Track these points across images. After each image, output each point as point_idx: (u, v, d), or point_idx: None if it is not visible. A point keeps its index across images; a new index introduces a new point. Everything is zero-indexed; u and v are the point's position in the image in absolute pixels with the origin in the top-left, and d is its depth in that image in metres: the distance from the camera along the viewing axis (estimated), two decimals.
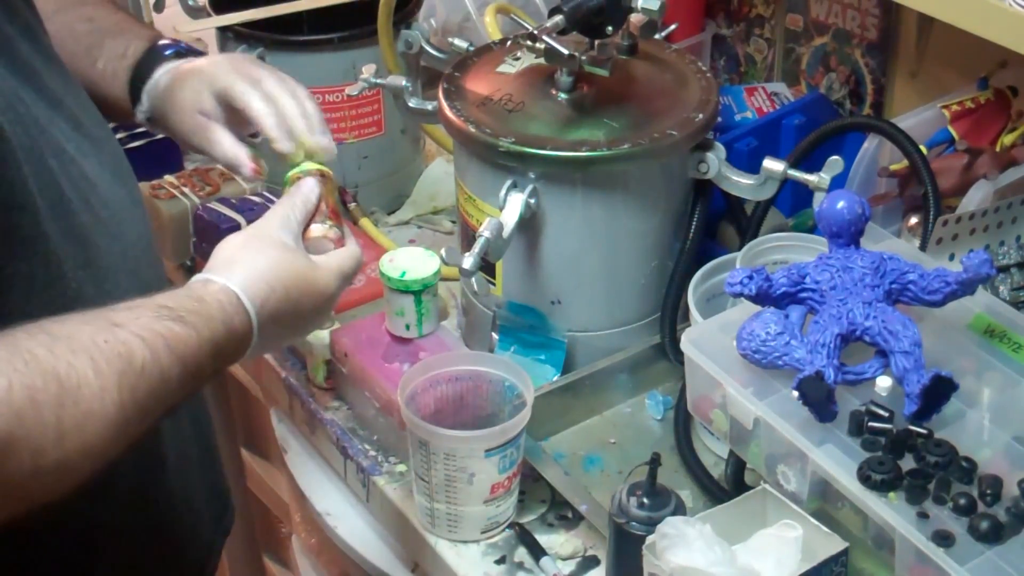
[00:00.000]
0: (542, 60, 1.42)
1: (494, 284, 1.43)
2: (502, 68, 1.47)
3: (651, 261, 1.43)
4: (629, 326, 1.45)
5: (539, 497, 1.34)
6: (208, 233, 1.61)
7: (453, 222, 1.75)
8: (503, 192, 1.35)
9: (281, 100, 1.20)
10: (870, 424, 1.08)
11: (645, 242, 1.42)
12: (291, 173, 1.18)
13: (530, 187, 1.35)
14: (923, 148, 1.45)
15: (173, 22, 1.76)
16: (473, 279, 1.29)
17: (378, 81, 1.55)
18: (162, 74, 1.25)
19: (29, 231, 0.96)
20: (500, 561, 1.28)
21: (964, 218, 1.34)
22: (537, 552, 1.27)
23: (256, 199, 1.67)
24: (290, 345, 1.52)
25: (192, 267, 1.69)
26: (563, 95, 1.41)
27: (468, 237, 1.44)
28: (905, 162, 1.46)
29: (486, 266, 1.35)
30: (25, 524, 0.86)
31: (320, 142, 1.19)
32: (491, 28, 1.76)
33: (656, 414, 1.43)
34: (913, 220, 1.47)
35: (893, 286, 1.15)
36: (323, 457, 1.51)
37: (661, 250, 1.43)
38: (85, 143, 1.08)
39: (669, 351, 1.43)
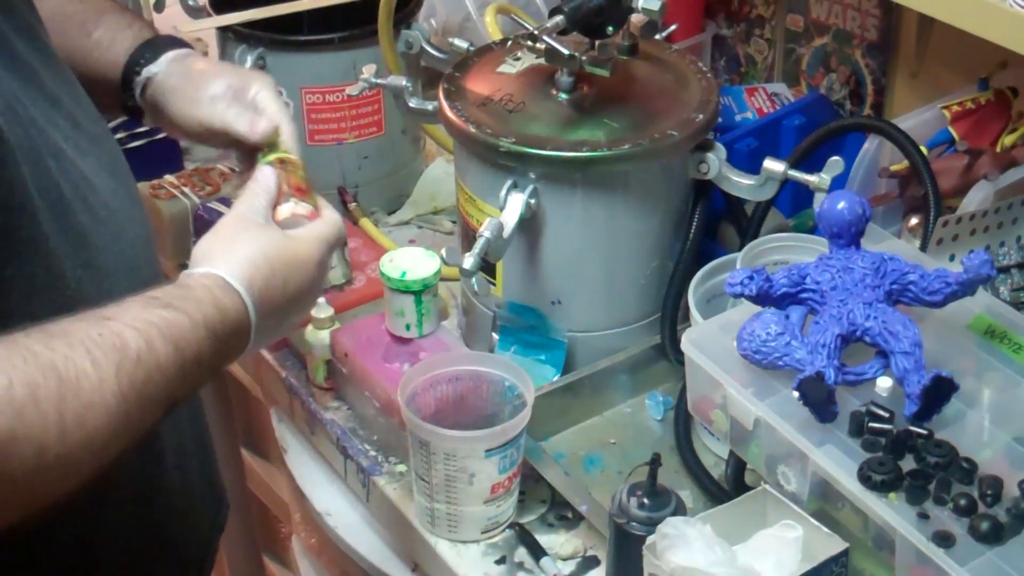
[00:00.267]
0: (542, 60, 1.42)
1: (494, 284, 1.43)
2: (502, 68, 1.47)
3: (651, 261, 1.43)
4: (629, 326, 1.45)
5: (539, 497, 1.34)
6: None
7: (453, 222, 1.74)
8: (503, 192, 1.35)
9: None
10: (870, 425, 1.08)
11: (645, 242, 1.42)
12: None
13: (530, 187, 1.34)
14: (923, 149, 1.44)
15: (173, 22, 1.76)
16: (473, 279, 1.29)
17: (378, 81, 1.55)
18: (171, 58, 1.24)
19: (29, 232, 0.96)
20: (500, 561, 1.28)
21: (964, 219, 1.33)
22: (537, 552, 1.27)
23: None
24: (294, 325, 1.50)
25: None
26: (563, 95, 1.41)
27: (468, 237, 1.44)
28: (905, 163, 1.46)
29: (486, 266, 1.35)
30: (25, 524, 0.86)
31: (262, 125, 1.17)
32: (491, 28, 1.76)
33: (656, 414, 1.43)
34: (913, 221, 1.47)
35: (893, 287, 1.15)
36: (323, 457, 1.51)
37: (661, 250, 1.43)
38: (83, 142, 1.08)
39: (669, 351, 1.43)
